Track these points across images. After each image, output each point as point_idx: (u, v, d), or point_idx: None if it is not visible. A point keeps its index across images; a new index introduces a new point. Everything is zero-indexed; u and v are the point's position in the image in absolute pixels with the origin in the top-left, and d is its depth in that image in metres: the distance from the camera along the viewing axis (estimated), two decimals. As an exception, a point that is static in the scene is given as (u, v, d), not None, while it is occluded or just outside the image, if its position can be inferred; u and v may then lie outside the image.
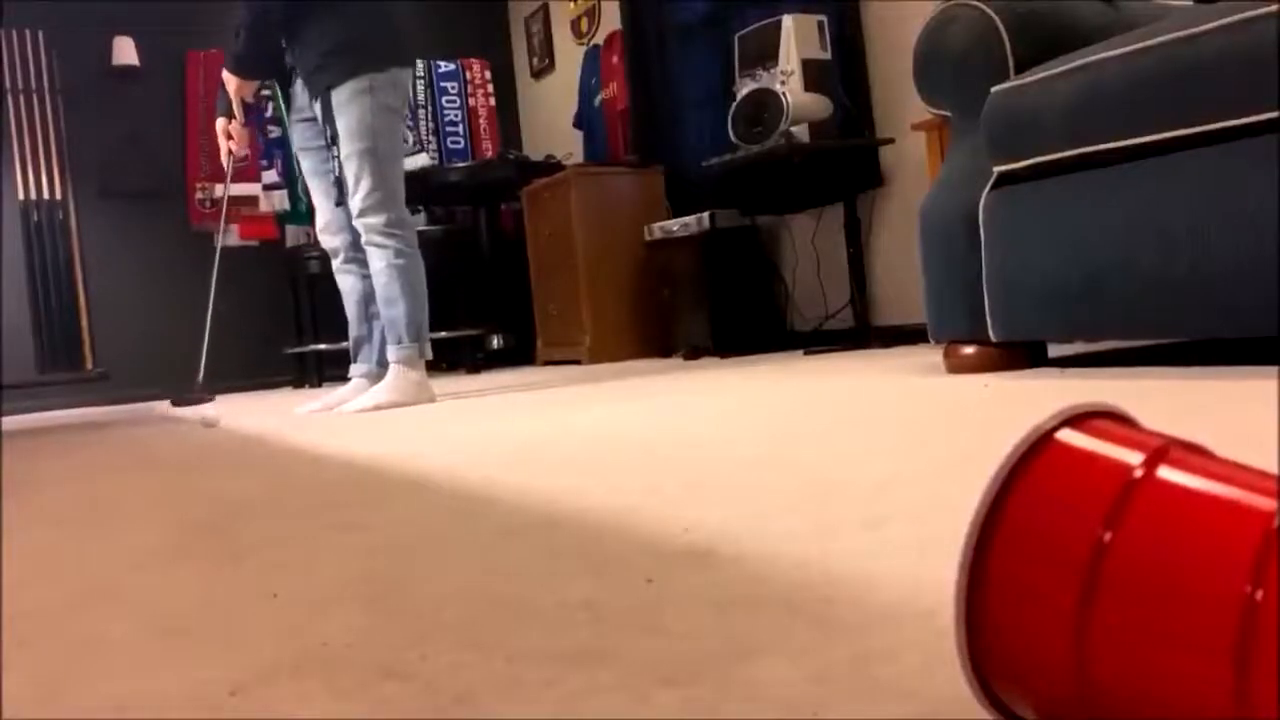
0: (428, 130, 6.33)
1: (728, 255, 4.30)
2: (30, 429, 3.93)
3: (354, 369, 3.18)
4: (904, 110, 3.72)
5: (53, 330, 5.63)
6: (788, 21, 3.71)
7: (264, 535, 1.05)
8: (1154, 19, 1.90)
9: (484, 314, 5.50)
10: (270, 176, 5.88)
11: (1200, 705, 0.31)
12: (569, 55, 6.19)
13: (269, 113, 5.77)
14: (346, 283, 3.15)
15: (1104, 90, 1.77)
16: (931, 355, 2.54)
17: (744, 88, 3.78)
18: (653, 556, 0.78)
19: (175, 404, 3.14)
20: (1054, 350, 2.28)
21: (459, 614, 0.67)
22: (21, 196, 5.60)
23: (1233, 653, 0.30)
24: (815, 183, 4.07)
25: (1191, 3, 2.32)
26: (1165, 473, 0.36)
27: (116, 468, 1.97)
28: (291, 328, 5.51)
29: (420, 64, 6.20)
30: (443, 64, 6.40)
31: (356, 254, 3.07)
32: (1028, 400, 1.57)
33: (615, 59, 5.64)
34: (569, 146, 5.99)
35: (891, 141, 3.83)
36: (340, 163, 2.92)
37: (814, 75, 3.70)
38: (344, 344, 3.26)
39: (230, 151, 3.12)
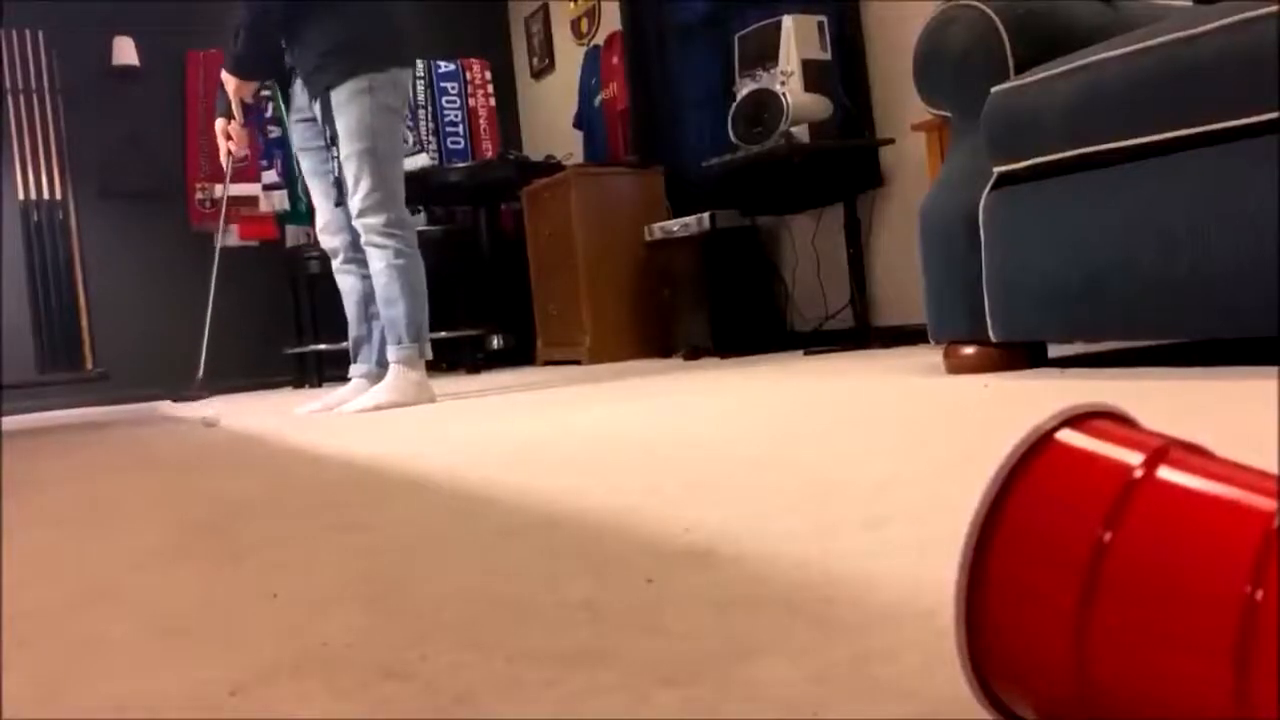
0: (428, 130, 6.33)
1: (728, 255, 4.30)
2: (30, 429, 3.93)
3: (354, 369, 3.18)
4: (904, 111, 3.72)
5: (53, 330, 5.63)
6: (788, 22, 3.71)
7: (264, 535, 1.05)
8: (1153, 19, 1.90)
9: (484, 314, 5.50)
10: (270, 177, 5.88)
11: (1200, 705, 0.31)
12: (569, 55, 6.19)
13: (269, 113, 5.77)
14: (346, 283, 3.15)
15: (1104, 90, 1.77)
16: (931, 355, 2.54)
17: (744, 88, 3.78)
18: (653, 556, 0.78)
19: (176, 401, 3.14)
20: (1054, 351, 2.28)
21: (459, 614, 0.67)
22: (21, 196, 5.60)
23: (1233, 653, 0.30)
24: (815, 183, 4.07)
25: (1191, 3, 2.32)
26: (1165, 473, 0.36)
27: (116, 468, 1.97)
28: (291, 328, 5.51)
29: (420, 64, 6.20)
30: (443, 64, 6.40)
31: (356, 254, 3.07)
32: (1028, 400, 1.57)
33: (615, 59, 5.64)
34: (569, 147, 5.99)
35: (891, 142, 3.83)
36: (339, 163, 2.92)
37: (814, 75, 3.70)
38: (344, 344, 3.26)
39: (229, 152, 3.12)
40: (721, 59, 4.49)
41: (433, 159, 6.14)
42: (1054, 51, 1.94)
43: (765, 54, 3.78)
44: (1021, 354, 2.07)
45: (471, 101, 6.51)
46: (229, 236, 5.68)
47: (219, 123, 3.11)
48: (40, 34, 5.66)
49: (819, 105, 3.69)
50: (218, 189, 5.87)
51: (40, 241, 5.63)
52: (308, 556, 0.91)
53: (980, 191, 2.03)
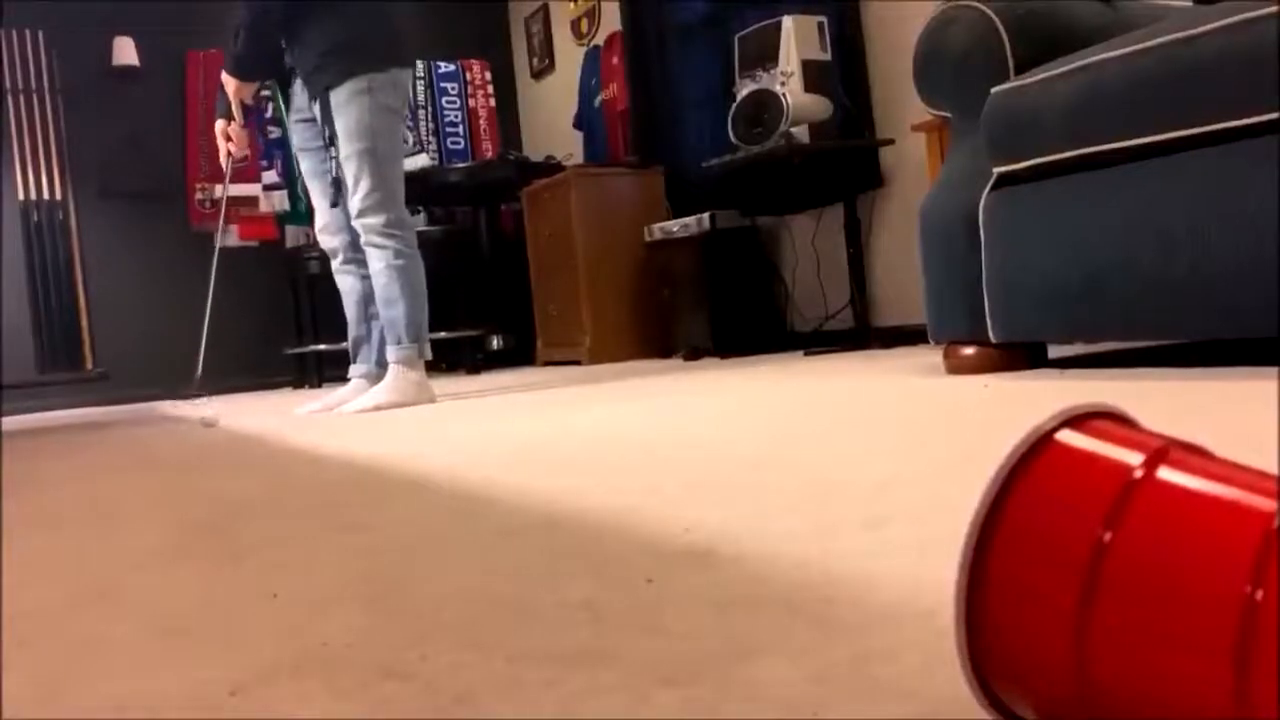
0: (428, 131, 6.33)
1: (728, 256, 4.30)
2: (30, 429, 3.93)
3: (353, 369, 3.18)
4: (904, 111, 3.72)
5: (53, 330, 5.63)
6: (788, 22, 3.71)
7: (264, 535, 1.05)
8: (1153, 20, 1.90)
9: (484, 315, 5.50)
10: (270, 177, 5.88)
11: (1200, 705, 0.31)
12: (569, 56, 6.19)
13: (269, 113, 5.77)
14: (346, 283, 3.15)
15: (1104, 91, 1.77)
16: (931, 356, 2.54)
17: (744, 88, 3.78)
18: (653, 556, 0.78)
19: (173, 399, 3.14)
20: (1054, 351, 2.28)
21: (459, 614, 0.67)
22: (21, 197, 5.60)
23: (1233, 653, 0.30)
24: (815, 183, 4.07)
25: (1191, 3, 2.32)
26: (1165, 473, 0.36)
27: (116, 468, 1.97)
28: (291, 328, 5.51)
29: (420, 65, 6.20)
30: (443, 65, 6.41)
31: (356, 254, 3.07)
32: (1027, 401, 1.57)
33: (615, 60, 5.64)
34: (569, 147, 5.99)
35: (891, 142, 3.83)
36: (338, 163, 2.92)
37: (814, 76, 3.70)
38: (344, 344, 3.26)
39: (229, 153, 3.12)
40: (721, 59, 4.49)
41: (433, 159, 6.14)
42: (1054, 52, 1.94)
43: (765, 54, 3.78)
44: (1021, 354, 2.07)
45: (471, 102, 6.51)
46: (229, 237, 5.69)
47: (219, 124, 3.11)
48: (40, 34, 5.66)
49: (819, 106, 3.69)
50: (218, 189, 5.87)
51: (40, 241, 5.63)
52: (308, 556, 0.91)
53: (980, 192, 2.03)
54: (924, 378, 2.16)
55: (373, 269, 2.95)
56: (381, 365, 3.04)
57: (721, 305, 4.25)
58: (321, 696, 0.54)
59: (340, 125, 2.87)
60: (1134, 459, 0.36)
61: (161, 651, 0.66)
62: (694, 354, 4.30)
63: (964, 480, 0.95)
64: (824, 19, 3.79)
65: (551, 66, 6.44)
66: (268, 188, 5.88)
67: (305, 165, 3.12)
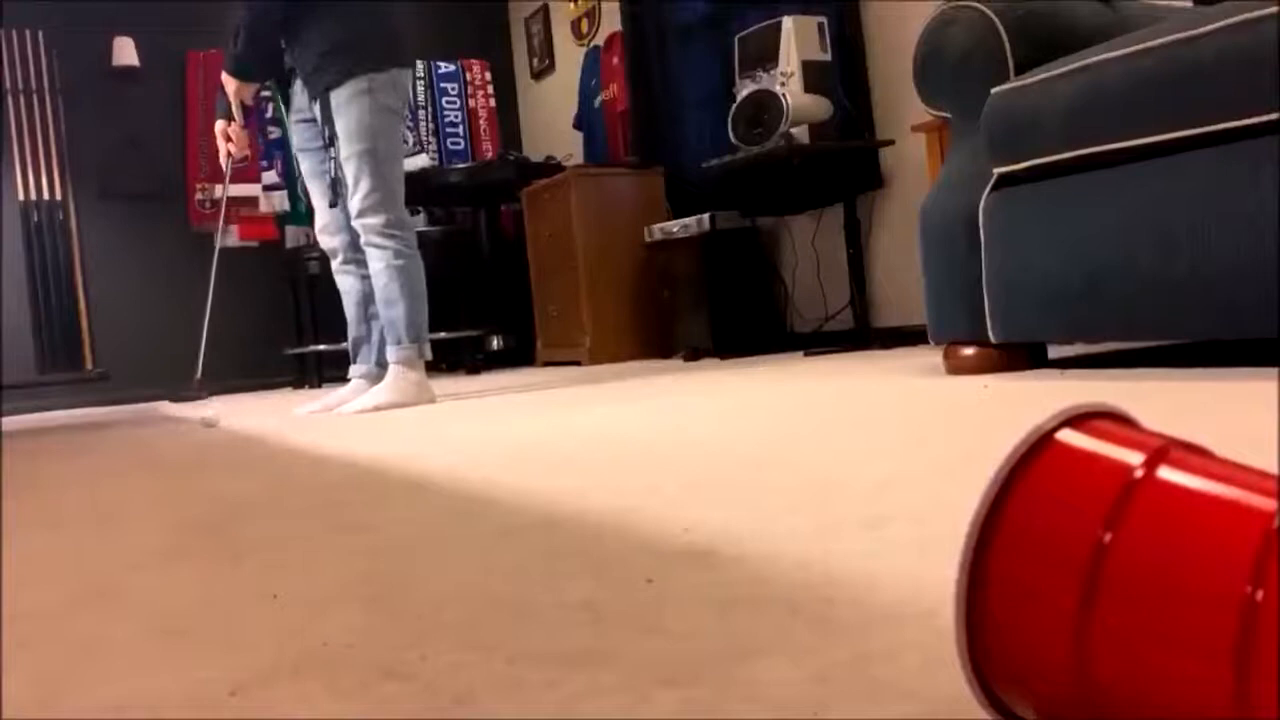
0: (428, 131, 6.33)
1: (728, 256, 4.30)
2: (30, 429, 3.93)
3: (353, 370, 3.18)
4: (904, 112, 3.72)
5: (53, 330, 5.63)
6: (788, 23, 3.71)
7: (264, 536, 1.05)
8: (1153, 20, 1.90)
9: (484, 315, 5.50)
10: (270, 177, 5.88)
11: (1200, 706, 0.31)
12: (569, 56, 6.19)
13: (269, 113, 5.77)
14: (346, 283, 3.15)
15: (1104, 91, 1.77)
16: (931, 356, 2.54)
17: (744, 89, 3.78)
18: (653, 556, 0.78)
19: (174, 401, 3.14)
20: (1054, 351, 2.28)
21: (459, 614, 0.67)
22: (21, 197, 5.60)
23: (1233, 653, 0.30)
24: (815, 184, 4.07)
25: (1191, 4, 2.32)
26: (1165, 473, 0.36)
27: (117, 468, 1.97)
28: (291, 328, 5.51)
29: (420, 65, 6.21)
30: (443, 65, 6.41)
31: (355, 254, 3.07)
32: (1028, 401, 1.57)
33: (615, 60, 5.64)
34: (569, 147, 5.99)
35: (891, 143, 3.83)
36: (337, 163, 2.92)
37: (814, 77, 3.70)
38: (344, 345, 3.26)
39: (229, 154, 3.12)
40: (721, 60, 4.49)
41: (433, 160, 6.14)
42: (1054, 53, 1.94)
43: (765, 55, 3.78)
44: (1021, 355, 2.07)
45: (471, 102, 6.51)
46: (229, 237, 5.69)
47: (219, 124, 3.11)
48: (40, 34, 5.66)
49: (819, 106, 3.69)
50: (218, 190, 5.87)
51: (40, 242, 5.63)
52: (308, 557, 0.91)
53: (980, 192, 2.03)
54: (924, 378, 2.16)
55: (373, 269, 2.95)
56: (381, 365, 3.04)
57: (721, 306, 4.26)
58: (321, 697, 0.54)
59: (340, 125, 2.87)
60: (1134, 459, 0.36)
61: (161, 651, 0.66)
62: (694, 354, 4.30)
63: (964, 480, 0.95)
64: (824, 19, 3.80)
65: (551, 67, 6.44)
66: (268, 188, 5.88)
67: (305, 166, 3.12)
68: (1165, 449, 0.37)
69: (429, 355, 3.00)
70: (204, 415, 3.04)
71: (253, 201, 5.85)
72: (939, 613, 0.57)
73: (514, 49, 6.89)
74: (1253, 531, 0.32)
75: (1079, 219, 1.84)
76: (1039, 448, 0.38)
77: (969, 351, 2.10)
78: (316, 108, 2.94)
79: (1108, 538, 0.34)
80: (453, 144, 6.41)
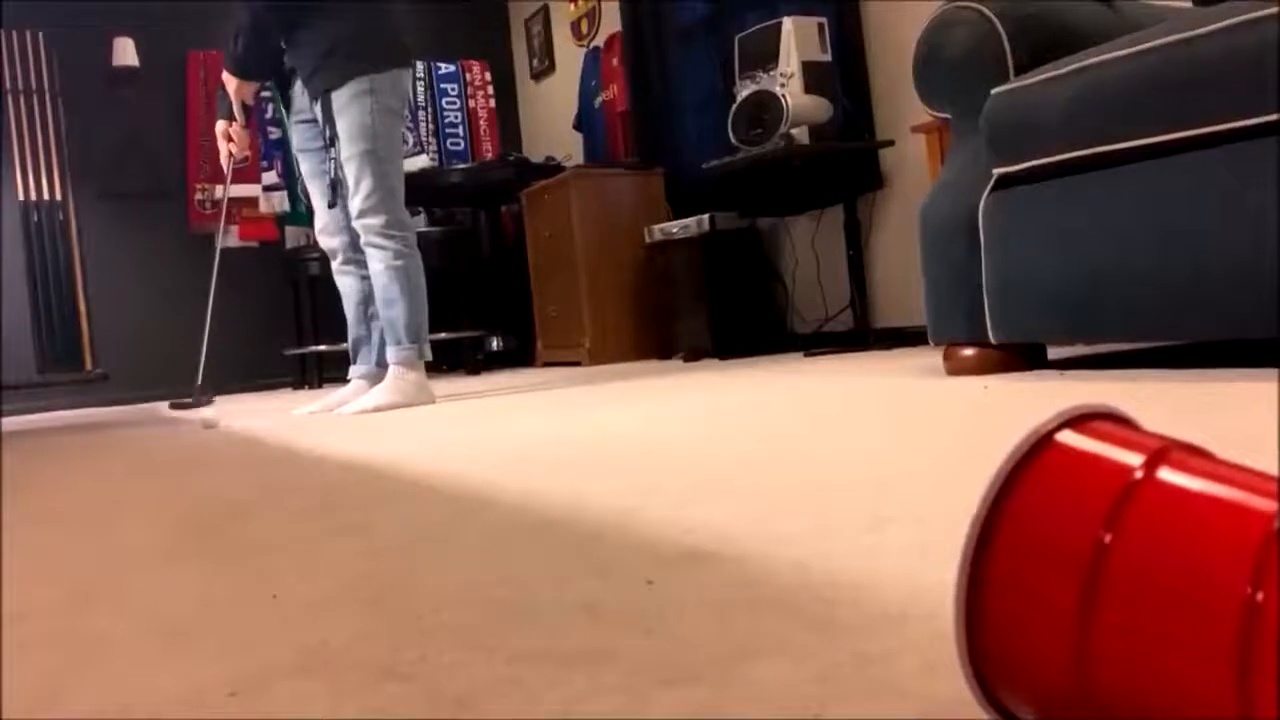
0: (428, 132, 6.33)
1: (728, 257, 4.30)
2: (30, 430, 3.93)
3: (353, 370, 3.18)
4: (904, 112, 3.72)
5: (53, 331, 5.63)
6: (788, 24, 3.71)
7: (264, 536, 1.05)
8: (1153, 21, 1.90)
9: (484, 316, 5.50)
10: (270, 178, 5.88)
11: (1201, 707, 0.31)
12: (569, 57, 6.19)
13: (269, 114, 5.77)
14: (346, 284, 3.15)
15: (1104, 92, 1.77)
16: (931, 357, 2.54)
17: (744, 90, 3.78)
18: (653, 557, 0.78)
19: (173, 407, 3.12)
20: (1054, 352, 2.28)
21: (459, 615, 0.67)
22: (21, 198, 5.60)
23: (1233, 654, 0.30)
24: (815, 185, 4.07)
25: (1190, 4, 2.32)
26: (1165, 474, 0.36)
27: (116, 468, 1.97)
28: (291, 329, 5.51)
29: (420, 65, 6.21)
30: (443, 65, 6.41)
31: (356, 255, 3.07)
32: (1027, 402, 1.57)
33: (615, 61, 5.64)
34: (569, 148, 5.99)
35: (891, 144, 3.83)
36: (337, 164, 2.92)
37: (814, 77, 3.70)
38: (344, 345, 3.26)
39: (230, 154, 3.11)
40: (721, 61, 4.49)
41: (433, 160, 6.14)
42: (1053, 54, 1.94)
43: (765, 56, 3.78)
44: (1021, 356, 2.07)
45: (471, 103, 6.51)
46: (229, 238, 5.68)
47: (220, 124, 3.11)
48: (40, 35, 5.66)
49: (819, 107, 3.69)
50: (218, 190, 5.87)
51: (40, 242, 5.63)
52: (307, 557, 0.91)
53: (980, 193, 2.03)
54: (924, 379, 2.16)
55: (373, 270, 2.95)
56: (381, 366, 3.04)
57: (721, 306, 4.26)
58: (321, 697, 0.54)
59: (341, 126, 2.87)
60: (1134, 460, 0.36)
61: (161, 651, 0.66)
62: (694, 355, 4.30)
63: (964, 481, 0.95)
64: (824, 20, 3.80)
65: (552, 67, 6.44)
66: (268, 189, 5.88)
67: (305, 166, 3.12)
68: (1165, 450, 0.37)
69: (429, 356, 3.00)
70: (204, 416, 3.04)
71: (253, 202, 5.85)
72: (939, 614, 0.57)
73: (514, 50, 6.89)
74: (1253, 533, 0.32)
75: (1079, 220, 1.84)
76: (1039, 449, 0.38)
77: (969, 352, 2.10)
78: (317, 108, 2.94)
79: (1108, 539, 0.34)
80: (453, 144, 6.41)
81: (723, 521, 0.88)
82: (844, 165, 3.86)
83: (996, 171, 1.99)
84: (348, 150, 2.88)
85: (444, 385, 3.82)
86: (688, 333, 4.42)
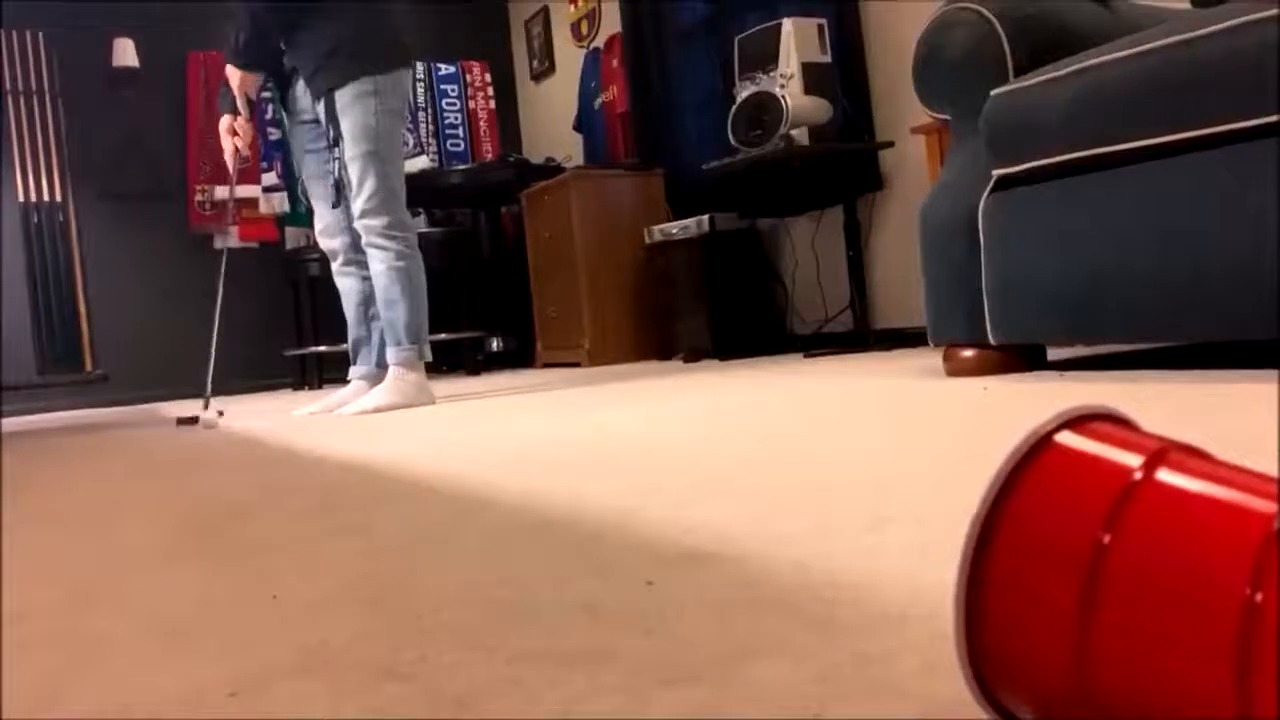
0: (428, 133, 6.34)
1: (727, 258, 4.30)
2: (30, 431, 3.93)
3: (353, 371, 3.18)
4: (904, 113, 3.72)
5: (53, 332, 5.63)
6: (788, 25, 3.71)
7: (264, 536, 1.06)
8: (1152, 22, 1.90)
9: (484, 316, 5.50)
10: (270, 179, 5.88)
11: (1200, 707, 0.31)
12: (569, 58, 6.19)
13: (269, 114, 5.77)
14: (346, 285, 3.15)
15: (1104, 93, 1.77)
16: (931, 358, 2.54)
17: (744, 91, 3.79)
18: (653, 557, 0.78)
19: (180, 423, 3.07)
20: (1053, 353, 2.28)
21: (459, 615, 0.68)
22: (21, 198, 5.60)
23: (1232, 655, 0.30)
24: (815, 186, 4.07)
25: (1190, 5, 2.32)
26: (1165, 475, 0.36)
27: (116, 469, 1.97)
28: (291, 330, 5.51)
29: (420, 66, 6.21)
30: (443, 66, 6.41)
31: (356, 256, 3.07)
32: (1027, 403, 1.57)
33: (615, 62, 5.64)
34: (569, 149, 5.99)
35: (891, 145, 3.83)
36: (340, 164, 2.92)
37: (814, 78, 3.70)
38: (344, 346, 3.26)
39: (236, 149, 3.08)
40: (721, 62, 4.49)
41: (433, 161, 6.14)
42: (1052, 55, 1.94)
43: (765, 57, 3.78)
44: (1021, 357, 2.07)
45: (471, 104, 6.51)
46: (229, 238, 5.68)
47: (224, 120, 3.08)
48: (40, 35, 5.66)
49: (819, 108, 3.69)
50: (218, 191, 5.87)
51: (40, 243, 5.63)
52: (307, 557, 0.91)
53: (980, 194, 2.03)
54: (924, 380, 2.16)
55: (374, 270, 2.95)
56: (381, 366, 3.04)
57: (721, 307, 4.26)
58: (321, 697, 0.54)
59: (345, 127, 2.88)
60: (1133, 461, 0.36)
61: (161, 651, 0.66)
62: (693, 356, 4.30)
63: (964, 482, 0.95)
64: (824, 21, 3.80)
65: (551, 69, 6.44)
66: (268, 189, 5.88)
67: (306, 168, 3.12)
68: (1164, 451, 0.37)
69: (429, 357, 3.01)
70: (204, 417, 3.04)
71: (253, 203, 5.85)
72: (939, 614, 0.57)
73: (514, 51, 6.89)
74: (1252, 534, 0.32)
75: (1078, 221, 1.84)
76: (1038, 450, 0.38)
77: (968, 353, 2.10)
78: (320, 108, 2.94)
79: (1107, 539, 0.34)
80: (453, 145, 6.41)
81: (723, 521, 0.88)
82: (844, 166, 3.86)
83: (996, 172, 1.99)
84: (351, 151, 2.88)
85: (444, 386, 3.82)
86: (687, 333, 4.42)
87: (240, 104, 3.04)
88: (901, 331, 3.73)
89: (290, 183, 5.77)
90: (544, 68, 6.51)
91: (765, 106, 3.63)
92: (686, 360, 4.30)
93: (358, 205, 2.91)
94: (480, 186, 5.59)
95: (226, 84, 3.04)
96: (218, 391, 3.28)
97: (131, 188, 5.79)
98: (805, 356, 3.67)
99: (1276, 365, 1.64)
